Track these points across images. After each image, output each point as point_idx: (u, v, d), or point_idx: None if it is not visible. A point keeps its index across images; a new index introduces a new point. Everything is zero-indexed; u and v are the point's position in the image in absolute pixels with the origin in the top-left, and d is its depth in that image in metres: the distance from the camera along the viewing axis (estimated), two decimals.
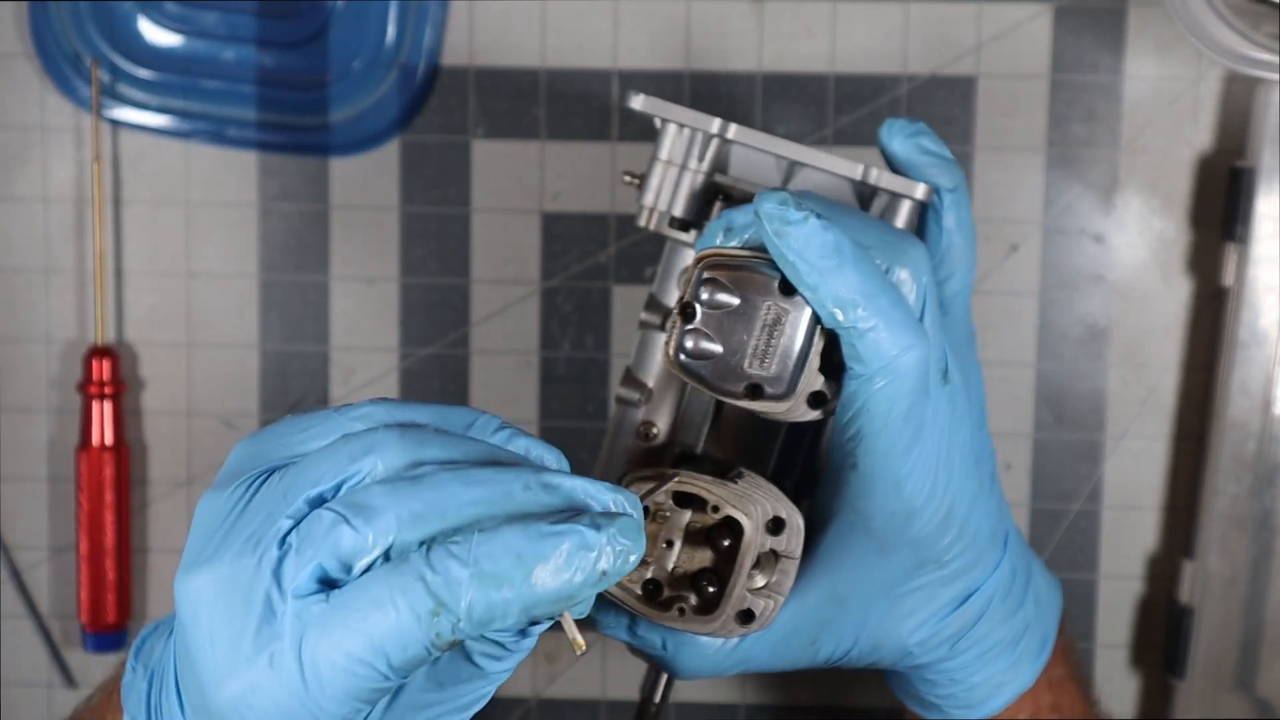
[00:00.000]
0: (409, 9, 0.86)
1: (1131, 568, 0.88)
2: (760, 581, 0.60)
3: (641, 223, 0.66)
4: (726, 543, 0.59)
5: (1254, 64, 0.75)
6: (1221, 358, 0.84)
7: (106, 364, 0.86)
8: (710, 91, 0.86)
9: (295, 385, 0.88)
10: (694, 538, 0.60)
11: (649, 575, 0.60)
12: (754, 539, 0.58)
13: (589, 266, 0.87)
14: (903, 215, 0.64)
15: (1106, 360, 0.87)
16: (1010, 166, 0.86)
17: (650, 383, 0.65)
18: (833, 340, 0.58)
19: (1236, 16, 0.75)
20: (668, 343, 0.58)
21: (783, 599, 0.60)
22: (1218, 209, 0.85)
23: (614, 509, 0.50)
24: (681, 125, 0.65)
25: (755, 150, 0.65)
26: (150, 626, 0.58)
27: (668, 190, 0.65)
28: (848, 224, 0.59)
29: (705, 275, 0.58)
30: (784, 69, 0.86)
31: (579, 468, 0.54)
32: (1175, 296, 0.86)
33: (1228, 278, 0.83)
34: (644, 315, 0.65)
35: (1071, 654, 0.70)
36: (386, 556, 0.49)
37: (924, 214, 0.66)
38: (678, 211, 0.65)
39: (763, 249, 0.58)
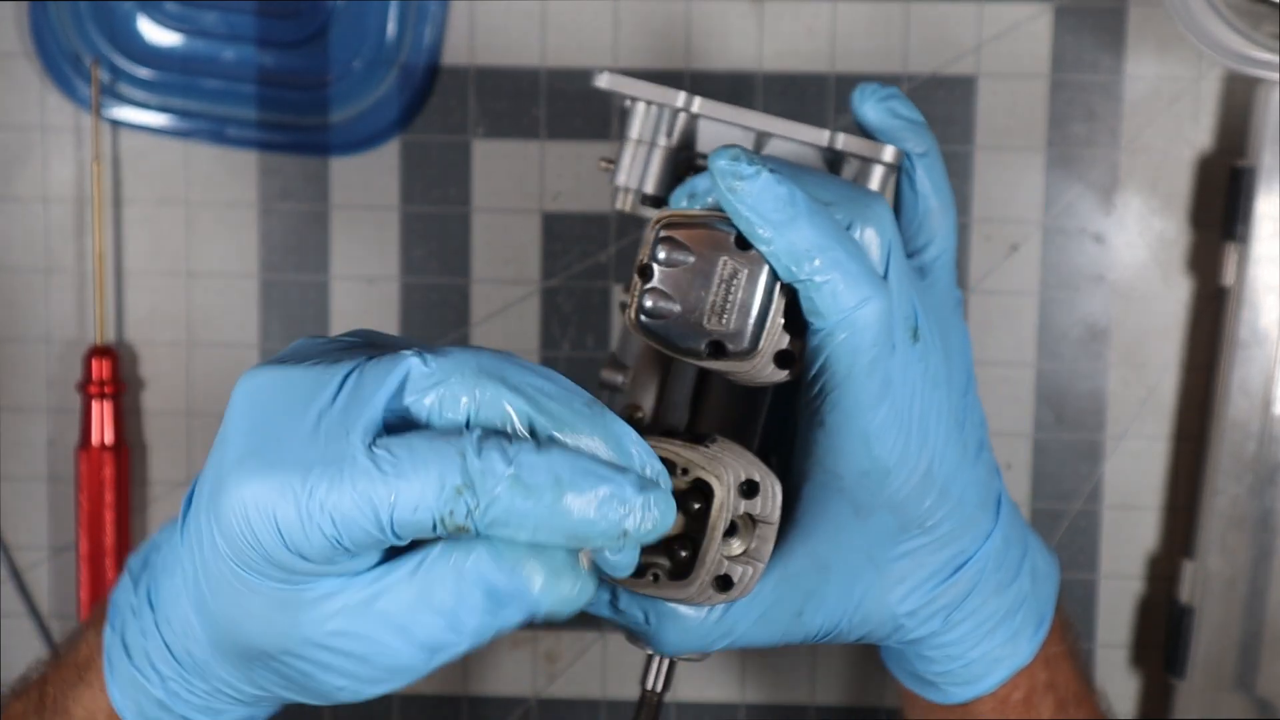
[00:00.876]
0: (409, 9, 0.86)
1: (1131, 568, 0.88)
2: (738, 548, 0.59)
3: (617, 204, 0.66)
4: (698, 506, 0.58)
5: (1254, 64, 0.75)
6: (1221, 358, 0.84)
7: (106, 364, 0.86)
8: (710, 91, 0.86)
9: None
10: None
11: None
12: (725, 501, 0.58)
13: (589, 266, 0.87)
14: (875, 182, 0.65)
15: (1106, 360, 0.87)
16: (1010, 166, 0.86)
17: (634, 365, 0.65)
18: (795, 297, 0.58)
19: (1236, 16, 0.75)
20: (629, 306, 0.58)
21: (762, 565, 0.59)
22: (1218, 209, 0.85)
23: (653, 477, 0.51)
24: (649, 102, 0.65)
25: (723, 123, 0.65)
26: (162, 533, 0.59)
27: (638, 168, 0.66)
28: (808, 181, 0.59)
29: (662, 234, 0.58)
30: (784, 69, 0.86)
31: None
32: (1175, 296, 0.86)
33: (1228, 277, 0.83)
34: (622, 297, 0.65)
35: (1069, 632, 0.70)
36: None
37: (898, 180, 0.66)
38: (649, 188, 0.66)
39: (722, 210, 0.58)
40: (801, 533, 0.62)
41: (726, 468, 0.58)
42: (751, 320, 0.58)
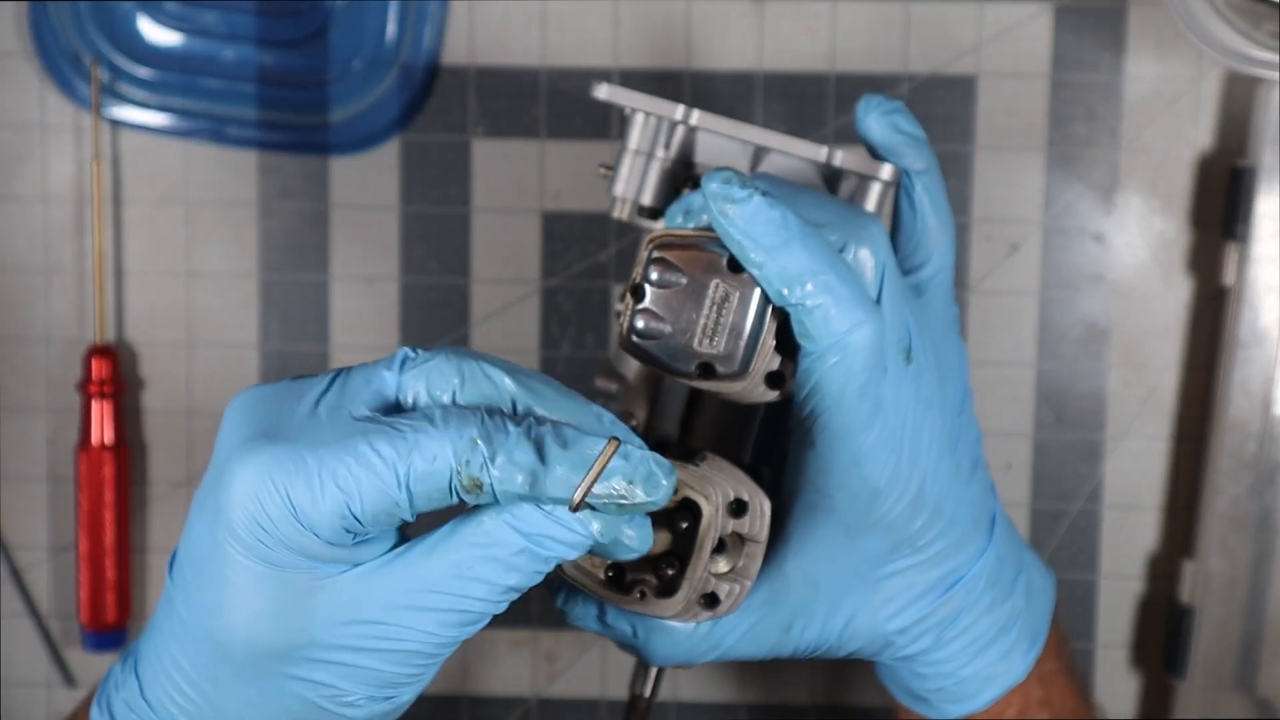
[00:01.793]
0: (409, 9, 0.86)
1: (1131, 568, 0.88)
2: (724, 566, 0.59)
3: (614, 213, 0.66)
4: (685, 525, 0.58)
5: (1254, 63, 0.75)
6: (1222, 357, 0.84)
7: (106, 363, 0.86)
8: (710, 91, 0.86)
9: None
10: (656, 521, 0.59)
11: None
12: (713, 520, 0.58)
13: (589, 266, 0.87)
14: (872, 198, 0.64)
15: (1106, 360, 0.87)
16: (1010, 166, 0.86)
17: (628, 374, 0.65)
18: (787, 319, 0.58)
19: (1237, 16, 0.75)
20: (620, 324, 0.59)
21: (750, 583, 0.59)
22: (1218, 209, 0.85)
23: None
24: (648, 114, 0.65)
25: (721, 136, 0.65)
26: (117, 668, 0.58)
27: (636, 179, 0.66)
28: (802, 202, 0.59)
29: (654, 255, 0.58)
30: (784, 69, 0.86)
31: None
32: (1175, 296, 0.86)
33: (1228, 277, 0.83)
34: (619, 306, 0.65)
35: (1065, 648, 0.70)
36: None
37: (896, 197, 0.66)
38: (646, 200, 0.66)
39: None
40: (791, 550, 0.62)
41: (715, 487, 0.58)
42: (743, 343, 0.58)
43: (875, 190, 0.64)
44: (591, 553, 0.53)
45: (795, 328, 0.58)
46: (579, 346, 0.87)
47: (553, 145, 0.87)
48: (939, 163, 0.66)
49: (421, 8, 0.86)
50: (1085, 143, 0.86)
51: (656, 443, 0.64)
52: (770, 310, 0.58)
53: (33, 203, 0.88)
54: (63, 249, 0.88)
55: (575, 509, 0.51)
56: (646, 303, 0.58)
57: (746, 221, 0.56)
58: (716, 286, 0.58)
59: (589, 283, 0.87)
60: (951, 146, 0.86)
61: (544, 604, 0.88)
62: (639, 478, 0.51)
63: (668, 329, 0.58)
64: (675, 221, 0.61)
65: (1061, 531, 0.87)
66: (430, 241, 0.87)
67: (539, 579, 0.53)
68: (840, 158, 0.64)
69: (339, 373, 0.53)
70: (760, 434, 0.65)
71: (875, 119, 0.64)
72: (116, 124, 0.87)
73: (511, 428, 0.50)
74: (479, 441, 0.50)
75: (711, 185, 0.57)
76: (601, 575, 0.59)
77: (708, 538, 0.58)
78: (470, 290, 0.88)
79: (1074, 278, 0.86)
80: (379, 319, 0.88)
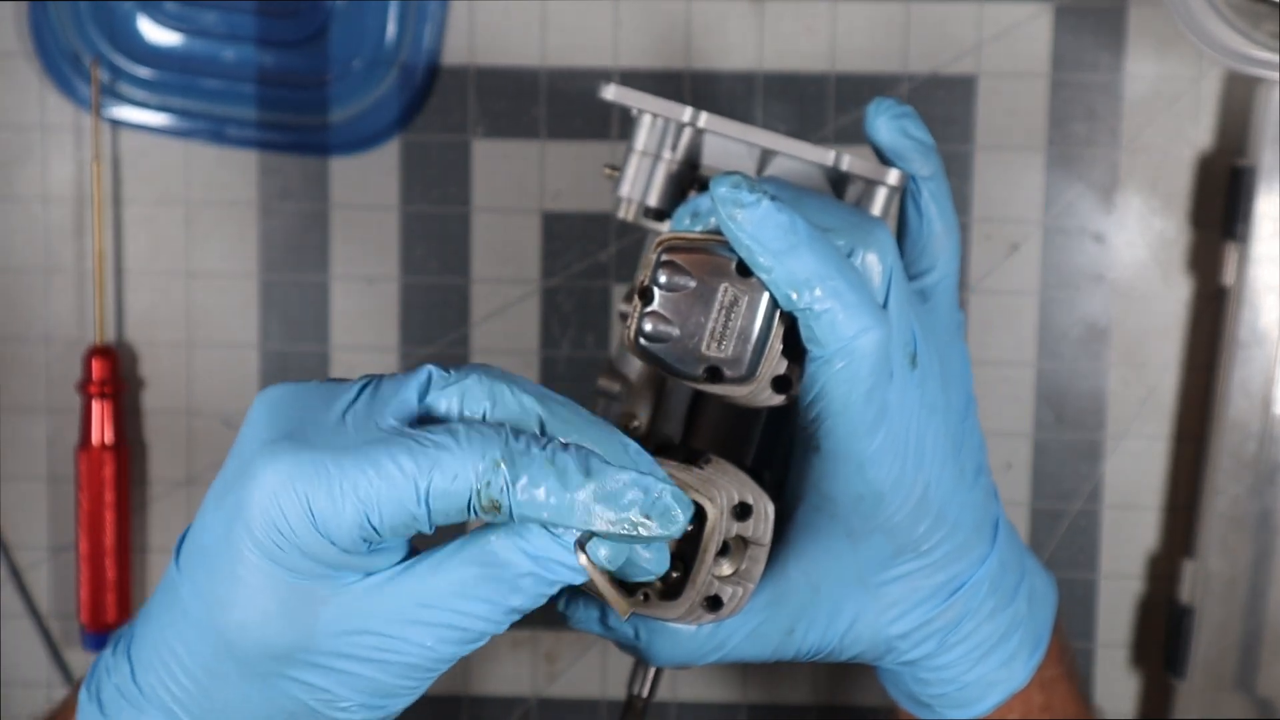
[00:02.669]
0: (409, 9, 0.86)
1: (1131, 568, 0.88)
2: (728, 569, 0.60)
3: (620, 214, 0.66)
4: (690, 528, 0.58)
5: (1254, 63, 0.75)
6: (1221, 357, 0.84)
7: (106, 363, 0.86)
8: (710, 91, 0.86)
9: None
10: None
11: None
12: (717, 524, 0.58)
13: (589, 266, 0.87)
14: (878, 203, 0.64)
15: (1106, 360, 0.87)
16: (1010, 166, 0.86)
17: (631, 374, 0.65)
18: (795, 323, 0.58)
19: (1237, 16, 0.75)
20: (628, 327, 0.59)
21: (753, 586, 0.60)
22: (1218, 208, 0.85)
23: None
24: (655, 115, 0.65)
25: (728, 139, 0.65)
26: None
27: (643, 180, 0.66)
28: (809, 206, 0.59)
29: (663, 258, 0.58)
30: (784, 69, 0.86)
31: None
32: (1175, 296, 0.86)
33: (1228, 277, 0.83)
34: (623, 306, 0.65)
35: (1066, 654, 0.70)
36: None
37: (902, 202, 0.66)
38: (652, 201, 0.66)
39: (722, 232, 0.58)
40: (794, 553, 0.62)
41: (720, 490, 0.58)
42: (750, 348, 0.58)
43: (881, 195, 0.64)
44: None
45: (803, 332, 0.58)
46: (579, 346, 0.87)
47: (553, 145, 0.87)
48: (943, 166, 0.66)
49: (421, 8, 0.86)
50: (1085, 143, 0.86)
51: (659, 445, 0.64)
52: (778, 315, 0.58)
53: (33, 203, 0.88)
54: (63, 249, 0.88)
55: (582, 542, 0.51)
56: (655, 305, 0.58)
57: (755, 226, 0.57)
58: (725, 290, 0.58)
59: (589, 283, 0.87)
60: (951, 146, 0.86)
61: (544, 605, 0.88)
62: (656, 512, 0.51)
63: (676, 332, 0.58)
64: (683, 224, 0.61)
65: (1061, 531, 0.88)
66: (430, 241, 0.87)
67: (542, 601, 0.54)
68: (847, 162, 0.64)
69: (369, 381, 0.54)
70: (763, 437, 0.65)
71: (885, 122, 0.64)
72: (116, 124, 0.87)
73: (535, 451, 0.51)
74: (501, 463, 0.50)
75: (720, 189, 0.57)
76: (608, 577, 0.59)
77: (712, 541, 0.58)
78: (470, 290, 0.88)
79: (1074, 278, 0.86)
80: (379, 319, 0.88)
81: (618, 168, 0.67)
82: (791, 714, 0.89)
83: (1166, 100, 0.86)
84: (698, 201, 0.61)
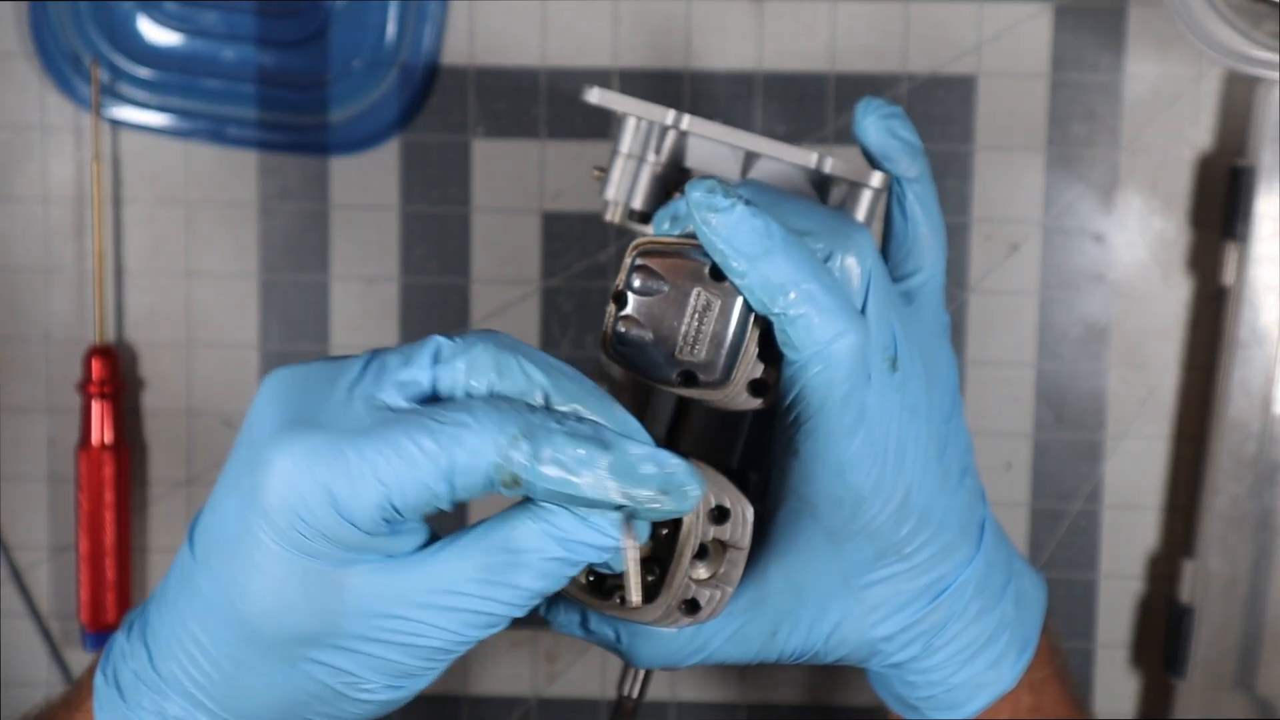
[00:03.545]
0: (409, 9, 0.86)
1: (1131, 568, 0.88)
2: (705, 572, 0.59)
3: (607, 216, 0.66)
4: (665, 531, 0.58)
5: (1254, 63, 0.75)
6: (1221, 357, 0.84)
7: (106, 363, 0.86)
8: (710, 91, 0.86)
9: None
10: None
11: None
12: (693, 527, 0.58)
13: (589, 266, 0.87)
14: (863, 205, 0.64)
15: (1106, 360, 0.87)
16: (1010, 166, 0.86)
17: (616, 374, 0.65)
18: (771, 328, 0.58)
19: (1237, 16, 0.75)
20: (603, 332, 0.59)
21: (731, 590, 0.59)
22: (1218, 208, 0.85)
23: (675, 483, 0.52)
24: (638, 118, 0.65)
25: (711, 141, 0.65)
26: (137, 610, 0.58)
27: (628, 183, 0.66)
28: (787, 210, 0.59)
29: (637, 262, 0.58)
30: (784, 69, 0.86)
31: None
32: (1175, 296, 0.86)
33: (1228, 277, 0.83)
34: (610, 308, 0.65)
35: (1057, 655, 0.69)
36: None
37: (888, 204, 0.66)
38: (637, 204, 0.66)
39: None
40: (776, 556, 0.62)
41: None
42: (724, 352, 0.58)
43: (866, 197, 0.64)
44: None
45: (778, 337, 0.58)
46: (579, 346, 0.87)
47: (553, 145, 0.87)
48: (936, 165, 0.66)
49: (421, 8, 0.86)
50: (1085, 143, 0.86)
51: None
52: (753, 319, 0.58)
53: (33, 203, 0.88)
54: (63, 249, 0.88)
55: (626, 520, 0.52)
56: (629, 310, 0.58)
57: (729, 230, 0.56)
58: (698, 295, 0.58)
59: (589, 283, 0.87)
60: (951, 146, 0.86)
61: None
62: (672, 485, 0.51)
63: (649, 336, 0.58)
64: (662, 228, 0.61)
65: (1061, 531, 0.88)
66: (430, 241, 0.87)
67: (565, 583, 0.54)
68: (830, 164, 0.64)
69: (373, 355, 0.54)
70: (749, 439, 0.65)
71: (873, 122, 0.64)
72: (116, 124, 0.87)
73: (554, 424, 0.51)
74: (521, 439, 0.50)
75: (695, 194, 0.57)
76: (583, 580, 0.59)
77: (688, 544, 0.58)
78: (470, 290, 0.88)
79: (1074, 278, 0.86)
80: (379, 319, 0.88)
81: (604, 169, 0.67)
82: (789, 714, 0.89)
83: (1166, 100, 0.86)
84: (676, 205, 0.61)
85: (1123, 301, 0.86)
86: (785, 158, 0.64)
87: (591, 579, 0.59)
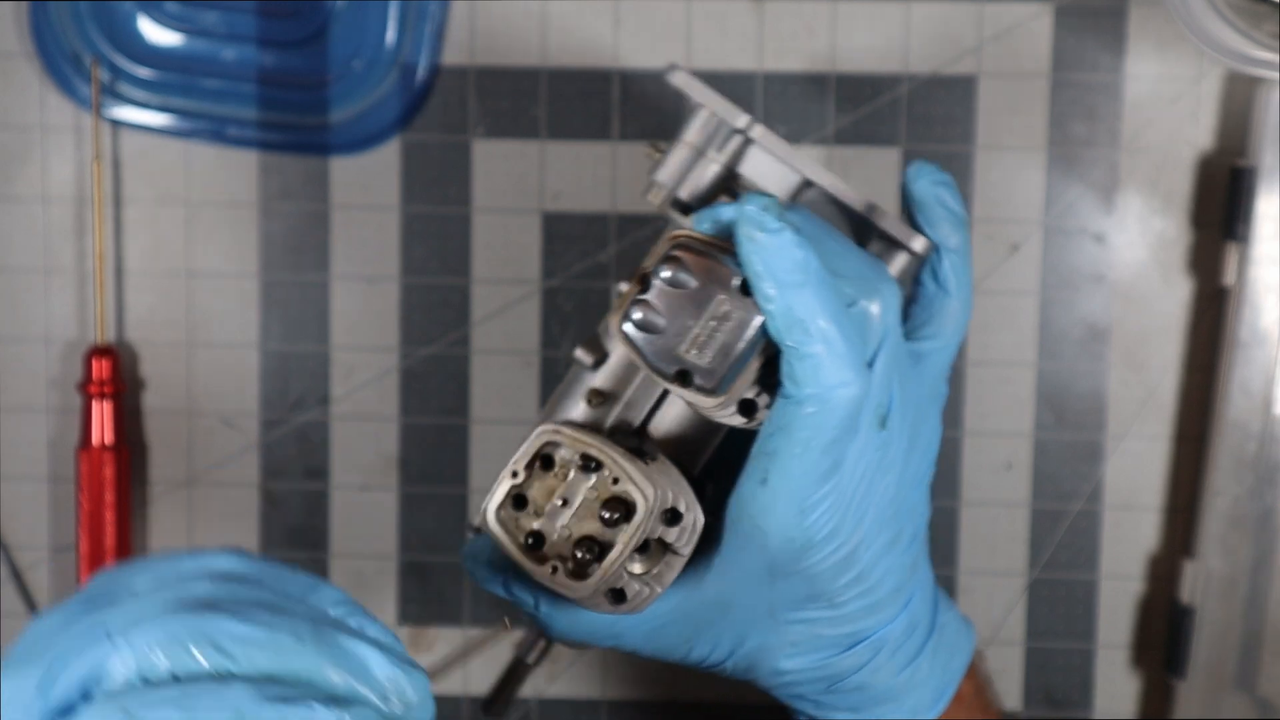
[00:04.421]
0: (409, 9, 0.86)
1: (1131, 568, 0.88)
2: (640, 568, 0.60)
3: (648, 196, 0.66)
4: (616, 516, 0.58)
5: (1254, 63, 0.75)
6: (1222, 358, 0.84)
7: (107, 363, 0.86)
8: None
9: (295, 385, 0.88)
10: (591, 506, 0.59)
11: (535, 526, 0.59)
12: (643, 522, 0.58)
13: (589, 266, 0.87)
14: (898, 262, 0.65)
15: (1106, 360, 0.87)
16: (1010, 166, 0.86)
17: (611, 352, 0.65)
18: (777, 355, 0.58)
19: (1237, 16, 0.75)
20: (617, 307, 0.59)
21: (660, 591, 0.60)
22: (1218, 209, 0.85)
23: (390, 693, 0.49)
24: (711, 113, 0.65)
25: (773, 157, 0.65)
26: None
27: (681, 171, 0.65)
28: (829, 247, 0.60)
29: (672, 253, 0.58)
30: (784, 69, 0.86)
31: None
32: (1175, 296, 0.86)
33: (1228, 277, 0.83)
34: (624, 286, 0.65)
35: (980, 695, 0.70)
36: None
37: (922, 265, 0.66)
38: (684, 195, 0.65)
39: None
40: (714, 570, 0.63)
41: (656, 489, 0.58)
42: (728, 364, 0.58)
43: (903, 256, 0.64)
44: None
45: (783, 367, 0.58)
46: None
47: (553, 145, 0.87)
48: (970, 242, 0.66)
49: (421, 8, 0.86)
50: (1085, 143, 0.86)
51: (615, 427, 0.64)
52: (765, 341, 0.58)
53: (33, 203, 0.88)
54: (63, 249, 0.88)
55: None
56: (650, 295, 0.58)
57: (771, 253, 0.57)
58: (721, 302, 0.58)
59: (589, 283, 0.87)
60: (951, 146, 0.86)
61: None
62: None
63: (662, 323, 0.58)
64: (703, 227, 0.60)
65: (1061, 531, 0.88)
66: (430, 241, 0.87)
67: None
68: (880, 216, 0.64)
69: (51, 662, 0.47)
70: (718, 452, 0.65)
71: (923, 187, 0.65)
72: (117, 124, 0.87)
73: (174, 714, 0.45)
74: None
75: (749, 208, 0.57)
76: (522, 540, 0.59)
77: (634, 537, 0.58)
78: (470, 290, 0.88)
79: (1074, 278, 0.86)
80: (379, 319, 0.88)
81: (661, 149, 0.66)
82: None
83: (1166, 100, 0.85)
84: (722, 209, 0.60)
85: (1123, 301, 0.86)
86: (840, 196, 0.64)
87: (530, 540, 0.59)
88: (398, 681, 0.49)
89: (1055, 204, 0.86)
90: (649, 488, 0.58)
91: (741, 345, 0.58)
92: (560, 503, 0.59)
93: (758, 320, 0.58)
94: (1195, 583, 0.84)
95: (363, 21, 0.86)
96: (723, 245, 0.58)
